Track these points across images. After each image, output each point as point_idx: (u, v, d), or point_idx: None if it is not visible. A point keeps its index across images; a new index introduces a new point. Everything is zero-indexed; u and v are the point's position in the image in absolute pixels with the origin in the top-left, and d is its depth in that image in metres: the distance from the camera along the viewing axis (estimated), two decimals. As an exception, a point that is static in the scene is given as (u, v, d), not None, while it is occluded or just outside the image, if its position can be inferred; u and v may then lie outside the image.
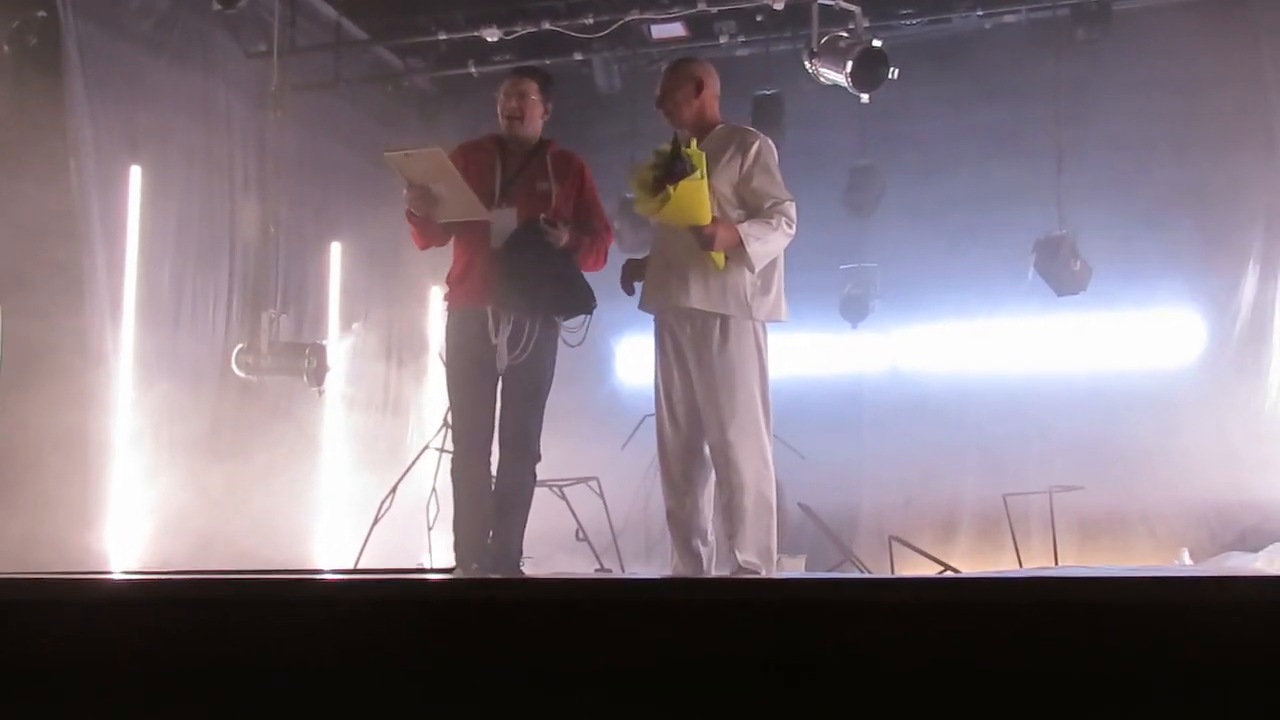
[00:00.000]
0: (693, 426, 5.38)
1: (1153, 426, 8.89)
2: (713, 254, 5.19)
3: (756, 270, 5.23)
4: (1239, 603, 2.16)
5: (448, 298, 5.71)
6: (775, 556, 5.38)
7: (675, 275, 5.30)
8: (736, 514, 5.24)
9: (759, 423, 5.29)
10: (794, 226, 5.27)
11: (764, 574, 5.20)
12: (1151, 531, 9.23)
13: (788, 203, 5.27)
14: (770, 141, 5.43)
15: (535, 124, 5.69)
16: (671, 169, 5.00)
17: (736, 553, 5.24)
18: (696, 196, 5.06)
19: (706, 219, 5.13)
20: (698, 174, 5.00)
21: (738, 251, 5.18)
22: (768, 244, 5.22)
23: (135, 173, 7.88)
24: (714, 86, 5.53)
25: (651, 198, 5.06)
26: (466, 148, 5.75)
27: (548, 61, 9.31)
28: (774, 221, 5.21)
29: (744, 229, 5.16)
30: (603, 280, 5.74)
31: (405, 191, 5.43)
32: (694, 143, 5.14)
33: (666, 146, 5.11)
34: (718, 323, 5.27)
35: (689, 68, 5.55)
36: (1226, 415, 8.91)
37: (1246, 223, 9.31)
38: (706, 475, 5.41)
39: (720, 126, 5.49)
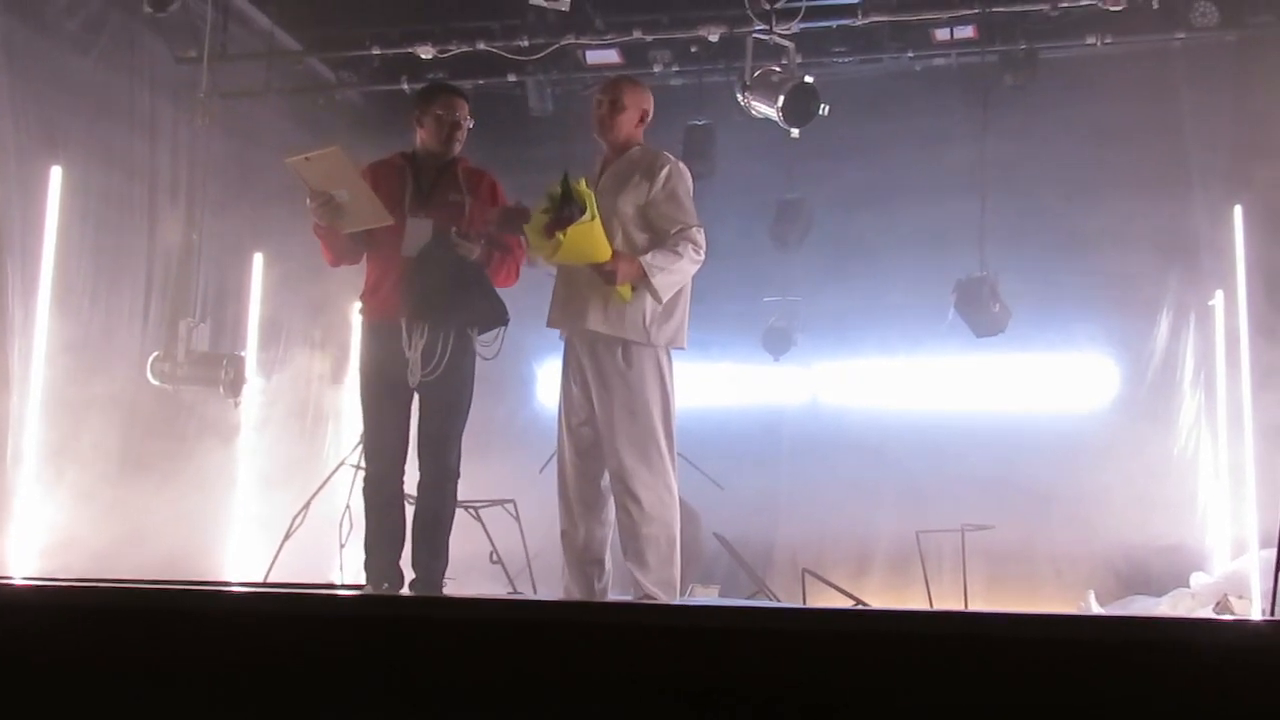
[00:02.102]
0: (590, 451, 5.34)
1: (1064, 469, 9.03)
2: (618, 288, 5.18)
3: (664, 301, 5.20)
4: (1139, 643, 2.19)
5: (363, 310, 5.66)
6: (678, 586, 5.33)
7: (578, 298, 5.27)
8: (636, 541, 5.20)
9: (661, 450, 5.26)
10: (702, 252, 5.24)
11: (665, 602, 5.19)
12: (1059, 573, 9.35)
13: (695, 229, 5.24)
14: (683, 166, 5.42)
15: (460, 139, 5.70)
16: (560, 214, 4.98)
17: (638, 580, 5.20)
18: (589, 238, 5.04)
19: (605, 256, 5.11)
20: (587, 215, 4.97)
21: (644, 282, 5.16)
22: (672, 274, 5.18)
23: (55, 173, 7.74)
24: (650, 117, 5.56)
25: (545, 242, 5.05)
26: (376, 165, 5.71)
27: (480, 82, 9.31)
28: (680, 249, 5.17)
29: (647, 261, 5.12)
30: (525, 302, 5.73)
31: (308, 201, 5.37)
32: (583, 181, 5.09)
33: (556, 187, 5.06)
34: (620, 347, 5.24)
35: (645, 95, 5.56)
36: (1136, 460, 9.06)
37: (1161, 271, 9.49)
38: (602, 502, 5.36)
39: (637, 148, 5.47)
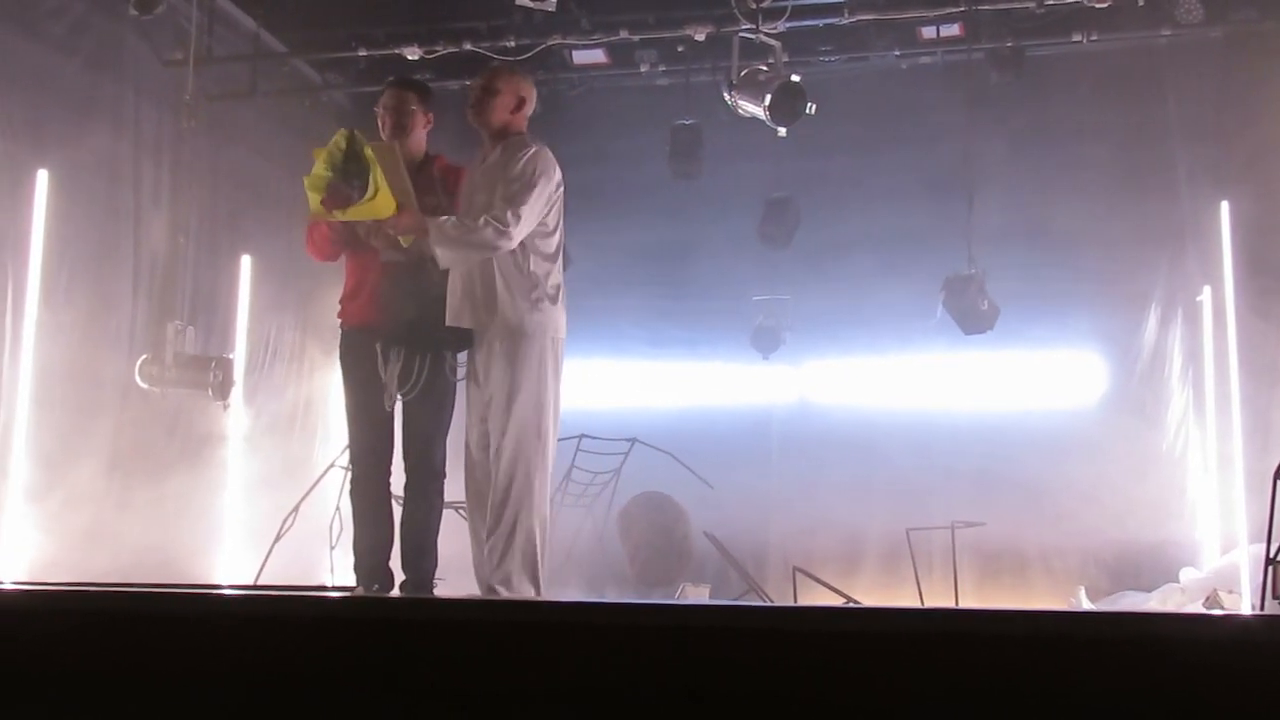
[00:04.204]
0: (484, 447, 5.25)
1: (1053, 465, 9.05)
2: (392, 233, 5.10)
3: (441, 266, 5.08)
4: (1131, 638, 2.19)
5: (341, 315, 5.60)
6: (536, 585, 5.11)
7: (457, 293, 5.20)
8: (496, 528, 5.08)
9: (536, 441, 5.12)
10: (506, 236, 5.02)
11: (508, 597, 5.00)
12: (1049, 569, 9.38)
13: (509, 211, 5.02)
14: (548, 156, 5.23)
15: (419, 135, 5.54)
16: (339, 188, 4.94)
17: (493, 571, 5.07)
18: (369, 209, 4.98)
19: (388, 213, 5.03)
20: (368, 194, 4.92)
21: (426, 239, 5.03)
22: (457, 243, 5.02)
23: (42, 177, 7.72)
24: (531, 108, 5.42)
25: (321, 205, 5.00)
26: None
27: (467, 82, 9.30)
28: (481, 222, 5.00)
29: (438, 222, 5.02)
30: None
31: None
32: (367, 147, 5.00)
33: (341, 143, 4.99)
34: (501, 340, 5.14)
35: (519, 81, 5.44)
36: (1126, 455, 9.10)
37: (1148, 268, 9.54)
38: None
39: (515, 137, 5.32)
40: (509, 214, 5.02)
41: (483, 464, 5.25)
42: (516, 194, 5.08)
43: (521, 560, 5.07)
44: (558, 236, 5.30)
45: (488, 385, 5.17)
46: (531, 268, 5.18)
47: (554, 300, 5.23)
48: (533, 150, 5.20)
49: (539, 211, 5.15)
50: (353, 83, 10.01)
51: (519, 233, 5.07)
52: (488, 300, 5.14)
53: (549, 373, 5.18)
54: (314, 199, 5.05)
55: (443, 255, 5.03)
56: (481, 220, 5.01)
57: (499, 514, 5.08)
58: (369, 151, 5.00)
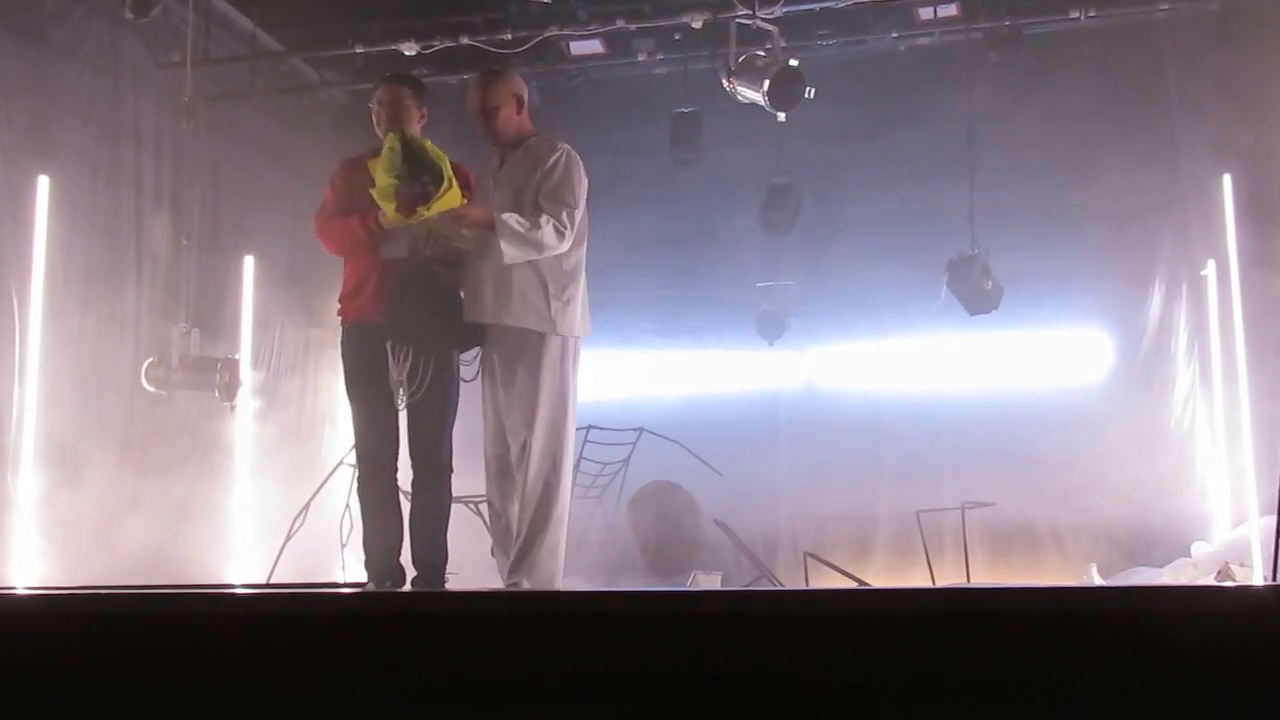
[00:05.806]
0: (501, 441, 5.29)
1: (1062, 443, 9.04)
2: (460, 227, 5.10)
3: (505, 261, 5.06)
4: (1144, 613, 2.20)
5: (341, 312, 5.57)
6: (557, 578, 5.16)
7: (483, 289, 5.21)
8: (519, 529, 5.12)
9: (558, 439, 5.17)
10: (566, 237, 5.10)
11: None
12: (1060, 547, 9.37)
13: (565, 210, 5.09)
14: (575, 154, 5.27)
15: (414, 130, 5.47)
16: (415, 186, 4.96)
17: (520, 566, 5.09)
18: (448, 199, 4.99)
19: (459, 203, 5.05)
20: (445, 184, 4.94)
21: (491, 237, 5.02)
22: (523, 242, 5.04)
23: (43, 183, 7.72)
24: (527, 99, 5.44)
25: (399, 213, 5.01)
26: (348, 164, 5.58)
27: (465, 76, 9.31)
28: (543, 221, 5.04)
29: (503, 218, 5.02)
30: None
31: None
32: (428, 143, 5.04)
33: (396, 145, 5.01)
34: (523, 336, 5.17)
35: (512, 82, 5.43)
36: (1133, 432, 9.09)
37: (1152, 242, 9.51)
38: (516, 483, 5.27)
39: (533, 139, 5.35)
40: (564, 216, 5.09)
41: (503, 458, 5.27)
42: (567, 199, 5.15)
43: (547, 555, 5.12)
44: (586, 237, 5.33)
45: (512, 382, 5.19)
46: (565, 266, 5.23)
47: (576, 299, 5.27)
48: (565, 152, 5.24)
49: (579, 217, 5.21)
50: (350, 80, 10.01)
51: (573, 238, 5.16)
52: (520, 297, 5.16)
53: (569, 370, 5.24)
54: (388, 209, 5.07)
55: (507, 251, 5.03)
56: (544, 219, 5.06)
57: (529, 511, 5.11)
58: (430, 145, 5.03)
